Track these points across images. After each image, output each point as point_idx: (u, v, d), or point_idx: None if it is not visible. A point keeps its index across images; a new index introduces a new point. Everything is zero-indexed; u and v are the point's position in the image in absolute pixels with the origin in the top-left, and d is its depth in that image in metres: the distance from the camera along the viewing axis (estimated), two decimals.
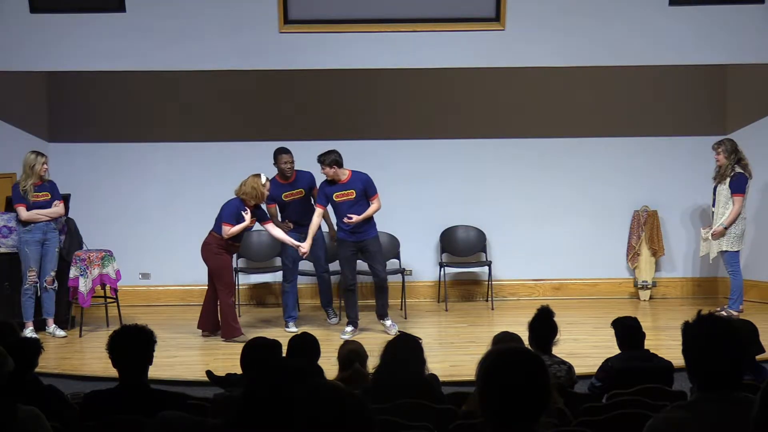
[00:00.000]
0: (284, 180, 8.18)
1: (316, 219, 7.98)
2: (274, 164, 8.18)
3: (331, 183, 7.87)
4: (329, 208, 8.09)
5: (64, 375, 6.65)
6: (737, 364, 2.64)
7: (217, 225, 7.90)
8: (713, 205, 8.60)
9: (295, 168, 8.25)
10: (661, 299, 9.69)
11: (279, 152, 8.19)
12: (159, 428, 2.51)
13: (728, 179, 8.38)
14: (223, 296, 7.90)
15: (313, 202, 8.20)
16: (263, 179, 7.87)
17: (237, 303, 9.04)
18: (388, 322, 8.03)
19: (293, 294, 8.31)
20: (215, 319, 8.02)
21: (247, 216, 7.83)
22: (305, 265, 8.66)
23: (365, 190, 7.91)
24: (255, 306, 9.60)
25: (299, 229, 8.12)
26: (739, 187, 8.36)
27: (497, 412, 2.33)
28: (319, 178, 8.10)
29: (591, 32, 8.57)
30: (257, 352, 4.30)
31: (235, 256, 9.38)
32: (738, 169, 8.39)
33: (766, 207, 9.32)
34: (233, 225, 7.78)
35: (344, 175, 7.86)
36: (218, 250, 7.90)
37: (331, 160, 7.75)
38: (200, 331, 8.04)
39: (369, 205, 7.94)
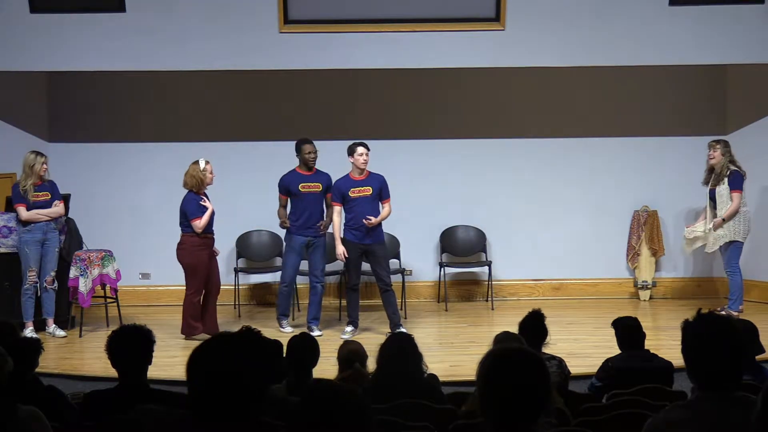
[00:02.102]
0: (307, 171, 8.06)
1: (336, 218, 7.92)
2: (296, 156, 8.06)
3: (347, 182, 7.87)
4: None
5: (64, 375, 6.64)
6: (737, 363, 2.64)
7: (185, 225, 7.88)
8: (712, 209, 8.54)
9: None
10: (661, 299, 9.69)
11: (302, 142, 8.06)
12: (132, 422, 2.52)
13: (726, 178, 8.38)
14: (190, 294, 7.90)
15: (324, 205, 8.11)
16: (202, 164, 7.91)
17: (237, 303, 9.08)
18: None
19: (288, 296, 8.24)
20: (212, 320, 8.02)
21: (207, 203, 7.90)
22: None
23: (380, 190, 7.91)
24: (255, 306, 9.60)
25: (308, 231, 8.04)
26: (737, 183, 8.37)
27: (497, 412, 2.33)
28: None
29: (591, 32, 8.57)
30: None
31: (234, 256, 9.45)
32: (733, 167, 8.40)
33: (766, 207, 9.32)
34: (201, 217, 7.82)
35: (364, 172, 7.87)
36: (195, 249, 7.88)
37: (362, 144, 7.81)
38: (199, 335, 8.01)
39: (380, 206, 7.94)
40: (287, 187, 8.05)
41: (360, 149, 7.84)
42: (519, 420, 2.32)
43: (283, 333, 7.54)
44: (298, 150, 8.07)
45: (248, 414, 2.34)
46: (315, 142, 8.19)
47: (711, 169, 8.55)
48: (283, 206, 8.13)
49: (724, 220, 8.36)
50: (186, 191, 7.93)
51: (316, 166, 8.10)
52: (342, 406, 2.30)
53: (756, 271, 9.31)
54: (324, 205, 8.13)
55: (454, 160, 9.71)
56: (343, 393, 2.34)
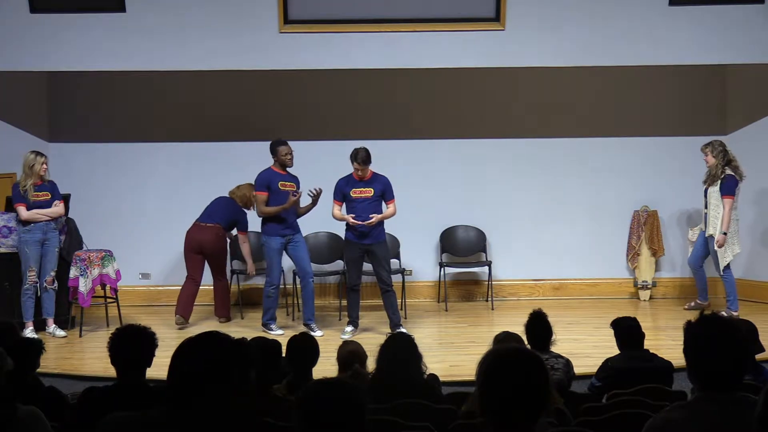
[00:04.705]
0: (282, 171, 8.03)
1: (337, 212, 7.90)
2: (272, 156, 7.99)
3: (349, 181, 7.86)
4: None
5: (64, 375, 6.64)
6: (738, 364, 2.63)
7: (223, 220, 8.49)
8: (705, 207, 8.57)
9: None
10: (661, 299, 9.69)
11: (278, 144, 8.01)
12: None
13: (719, 181, 8.37)
14: (226, 282, 8.66)
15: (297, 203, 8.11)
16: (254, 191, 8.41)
17: (240, 303, 9.08)
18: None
19: (277, 299, 8.19)
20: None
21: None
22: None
23: (383, 191, 7.88)
24: (255, 306, 9.59)
25: (286, 230, 7.99)
26: (728, 189, 8.33)
27: (497, 412, 2.33)
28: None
29: (591, 32, 8.57)
30: (258, 351, 4.29)
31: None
32: (728, 171, 8.38)
33: (765, 207, 9.32)
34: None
35: (367, 173, 7.84)
36: (227, 242, 8.64)
37: (363, 156, 7.70)
38: (182, 321, 8.34)
39: (382, 207, 7.91)
40: (268, 183, 7.95)
41: (355, 164, 7.74)
42: (519, 420, 2.32)
43: (277, 335, 7.50)
44: (274, 151, 7.99)
45: (227, 406, 2.34)
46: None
47: None
48: (266, 203, 7.94)
49: (725, 234, 8.31)
50: (228, 196, 8.67)
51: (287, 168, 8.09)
52: (335, 401, 2.32)
53: (756, 271, 9.33)
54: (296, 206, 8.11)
55: (454, 160, 9.71)
56: (338, 388, 2.36)
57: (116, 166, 9.67)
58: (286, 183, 8.01)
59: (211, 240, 8.40)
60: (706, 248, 8.60)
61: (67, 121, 9.72)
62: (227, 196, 8.66)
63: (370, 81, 9.44)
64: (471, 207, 9.71)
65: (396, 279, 8.65)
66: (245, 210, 8.64)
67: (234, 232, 8.74)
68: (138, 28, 8.42)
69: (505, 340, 4.77)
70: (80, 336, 8.07)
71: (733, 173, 8.38)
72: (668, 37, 8.60)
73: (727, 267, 8.45)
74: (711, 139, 8.76)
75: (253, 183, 8.22)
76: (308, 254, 8.20)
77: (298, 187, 8.03)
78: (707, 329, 2.65)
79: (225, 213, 8.52)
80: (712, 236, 8.43)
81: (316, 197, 7.89)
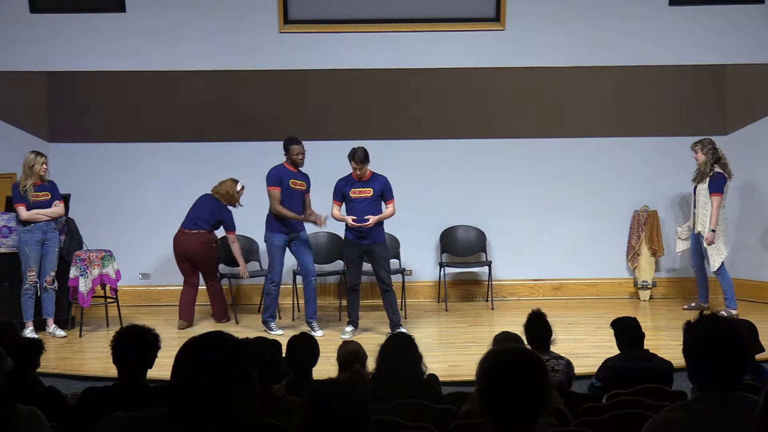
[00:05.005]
0: (294, 169, 8.02)
1: (337, 212, 7.90)
2: (285, 154, 7.97)
3: (348, 181, 7.86)
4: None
5: (64, 375, 6.64)
6: (738, 364, 2.63)
7: (207, 223, 8.42)
8: (694, 206, 8.61)
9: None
10: (661, 299, 9.69)
11: (290, 143, 7.97)
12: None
13: (708, 179, 8.40)
14: (218, 285, 8.59)
15: (305, 203, 8.13)
16: (239, 186, 8.49)
17: (235, 304, 9.08)
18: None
19: (277, 296, 8.20)
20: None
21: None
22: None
23: (383, 191, 7.87)
24: (251, 308, 9.59)
25: (289, 228, 8.01)
26: (717, 187, 8.38)
27: (497, 412, 2.33)
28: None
29: (591, 32, 8.57)
30: (258, 351, 4.29)
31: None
32: (717, 169, 8.42)
33: (762, 207, 9.32)
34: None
35: (366, 173, 7.83)
36: (213, 246, 8.50)
37: (360, 156, 7.69)
38: (186, 325, 8.37)
39: (382, 207, 7.91)
40: (280, 179, 7.92)
41: (352, 164, 7.74)
42: (519, 420, 2.32)
43: (277, 335, 7.50)
44: (287, 149, 7.97)
45: (229, 406, 2.34)
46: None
47: None
48: (280, 201, 7.91)
49: (713, 231, 8.34)
50: (211, 194, 8.52)
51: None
52: (341, 404, 2.32)
53: (757, 271, 9.33)
54: (303, 205, 8.09)
55: (454, 160, 9.71)
56: (342, 389, 2.36)
57: (116, 166, 9.67)
58: (297, 181, 8.01)
59: (196, 247, 8.34)
60: (699, 247, 8.63)
61: (67, 121, 9.73)
62: (210, 193, 8.51)
63: (370, 81, 9.44)
64: (471, 207, 9.71)
65: (396, 279, 8.64)
66: (229, 208, 8.50)
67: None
68: (138, 28, 8.41)
69: (504, 340, 4.77)
70: (80, 336, 8.07)
71: (722, 171, 8.41)
72: (668, 37, 8.59)
73: (722, 266, 8.46)
74: (712, 138, 8.77)
75: (236, 179, 8.51)
76: (312, 253, 8.21)
77: (309, 186, 8.07)
78: (707, 329, 2.65)
79: (209, 215, 8.40)
80: (701, 234, 8.49)
81: (315, 223, 8.03)
